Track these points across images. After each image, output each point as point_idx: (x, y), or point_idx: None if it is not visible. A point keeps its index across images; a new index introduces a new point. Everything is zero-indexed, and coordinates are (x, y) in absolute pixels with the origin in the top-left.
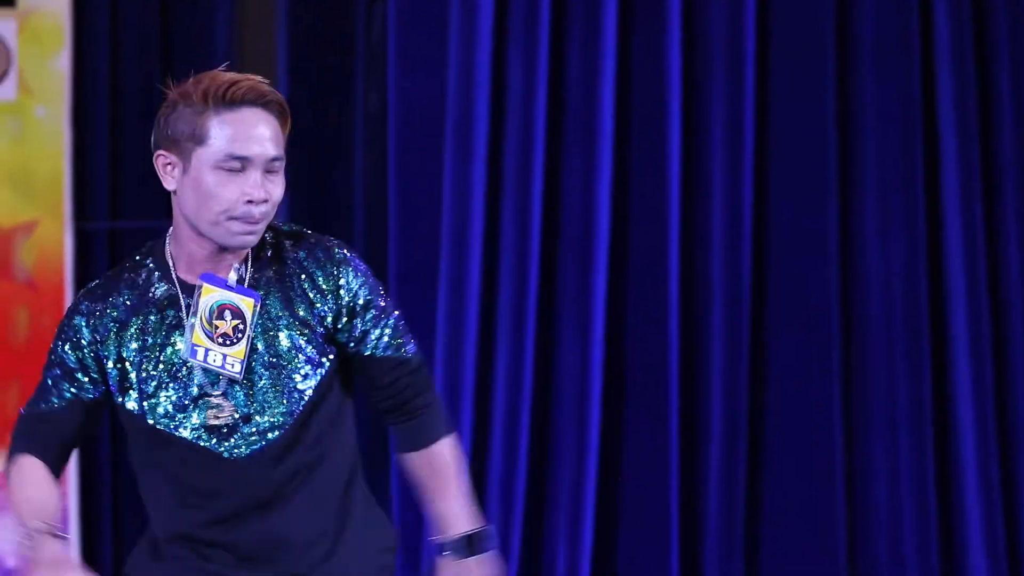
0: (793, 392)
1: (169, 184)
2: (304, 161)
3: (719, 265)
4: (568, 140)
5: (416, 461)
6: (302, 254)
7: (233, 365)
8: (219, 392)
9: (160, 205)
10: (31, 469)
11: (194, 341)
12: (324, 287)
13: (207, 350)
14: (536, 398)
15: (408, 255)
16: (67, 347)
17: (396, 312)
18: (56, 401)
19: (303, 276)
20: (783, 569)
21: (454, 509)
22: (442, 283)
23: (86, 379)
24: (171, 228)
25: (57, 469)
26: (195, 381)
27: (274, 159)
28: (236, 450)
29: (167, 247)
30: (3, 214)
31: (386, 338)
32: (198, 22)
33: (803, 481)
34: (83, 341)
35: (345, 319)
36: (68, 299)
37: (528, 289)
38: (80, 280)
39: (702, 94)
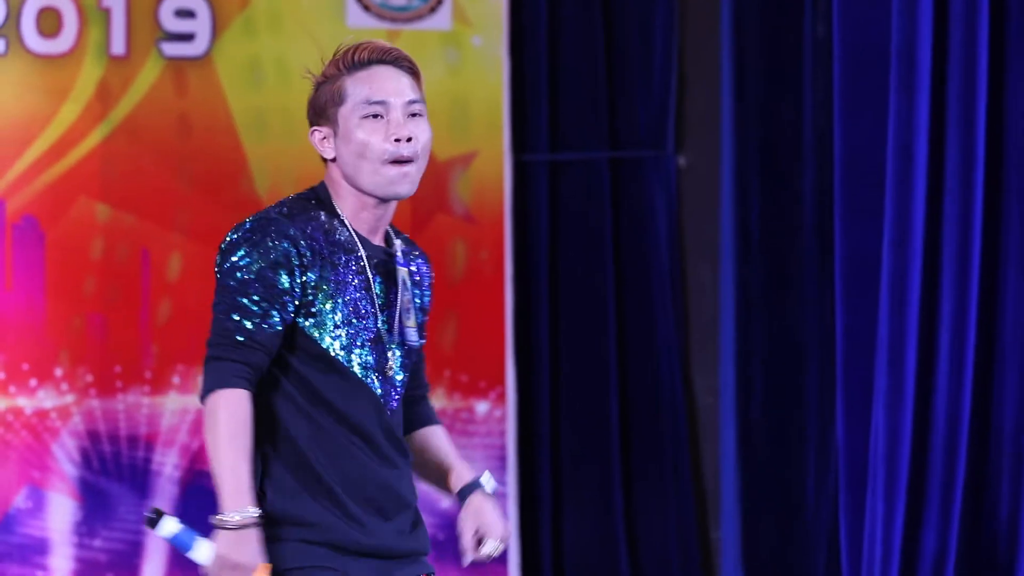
0: None
1: (328, 153)
2: (753, 90)
3: None
4: (1011, 62)
5: (436, 433)
6: (413, 251)
7: (397, 326)
8: (394, 346)
9: (601, 137)
10: (248, 415)
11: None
12: (427, 285)
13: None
14: (980, 341)
15: (853, 186)
16: (275, 267)
17: None
18: (272, 327)
19: (419, 270)
20: None
21: (461, 465)
22: (887, 215)
23: (290, 304)
24: (327, 187)
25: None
26: (375, 326)
27: (412, 101)
28: (391, 401)
29: (335, 202)
30: (439, 146)
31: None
32: None
33: None
34: (294, 265)
35: (424, 317)
36: (508, 234)
37: (973, 218)
38: (519, 214)
39: None
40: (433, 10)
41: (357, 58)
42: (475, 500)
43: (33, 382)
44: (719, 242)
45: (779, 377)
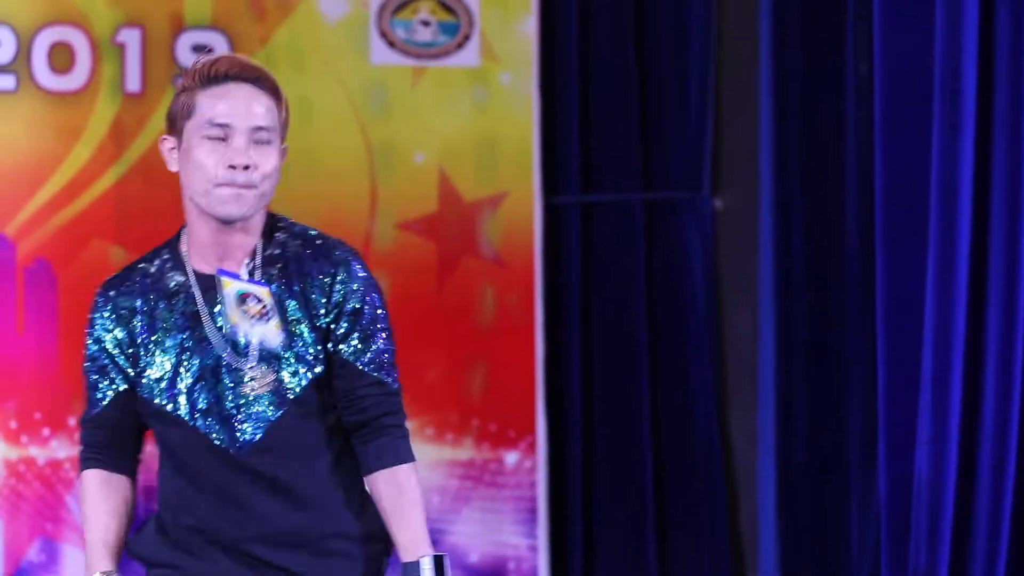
0: None
1: (172, 165)
2: (793, 130)
3: None
4: None
5: (381, 482)
6: (306, 253)
7: (274, 338)
8: (251, 364)
9: (635, 177)
10: (95, 491)
11: (233, 322)
12: (319, 285)
13: (245, 330)
14: None
15: (896, 227)
16: (92, 343)
17: (387, 344)
18: (101, 401)
19: (303, 275)
20: None
21: (418, 533)
22: (931, 255)
23: (115, 371)
24: (183, 226)
25: (124, 467)
26: (208, 363)
27: (259, 128)
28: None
29: (182, 240)
30: (467, 187)
31: (370, 354)
32: None
33: None
34: (105, 333)
35: (333, 317)
36: (538, 278)
37: (1019, 256)
38: (550, 258)
39: None
40: (460, 46)
41: (214, 72)
42: None
43: (46, 431)
44: (758, 286)
45: (821, 423)
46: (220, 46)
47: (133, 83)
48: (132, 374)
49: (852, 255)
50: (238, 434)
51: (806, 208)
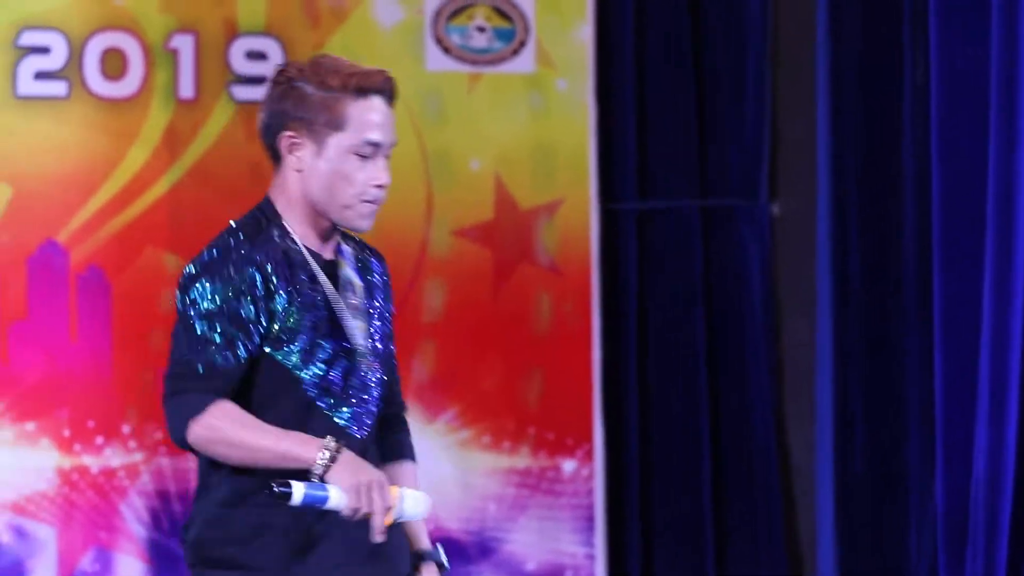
0: None
1: (296, 164)
2: (851, 136)
3: None
4: None
5: (399, 473)
6: (367, 248)
7: (364, 336)
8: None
9: (692, 184)
10: (236, 411)
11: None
12: (386, 283)
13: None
14: None
15: (953, 234)
16: (243, 298)
17: None
18: (229, 355)
19: (373, 271)
20: None
21: (422, 524)
22: (987, 263)
23: (258, 333)
24: (273, 202)
25: None
26: (343, 347)
27: (392, 144)
28: (352, 420)
29: (288, 221)
30: (523, 194)
31: (394, 351)
32: None
33: None
34: (259, 291)
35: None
36: (595, 286)
37: None
38: (607, 265)
39: None
40: (516, 52)
41: (367, 84)
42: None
43: (99, 439)
44: (815, 294)
45: (878, 432)
46: (274, 52)
47: (186, 89)
48: (266, 342)
49: (910, 262)
50: (366, 419)
51: (863, 214)
